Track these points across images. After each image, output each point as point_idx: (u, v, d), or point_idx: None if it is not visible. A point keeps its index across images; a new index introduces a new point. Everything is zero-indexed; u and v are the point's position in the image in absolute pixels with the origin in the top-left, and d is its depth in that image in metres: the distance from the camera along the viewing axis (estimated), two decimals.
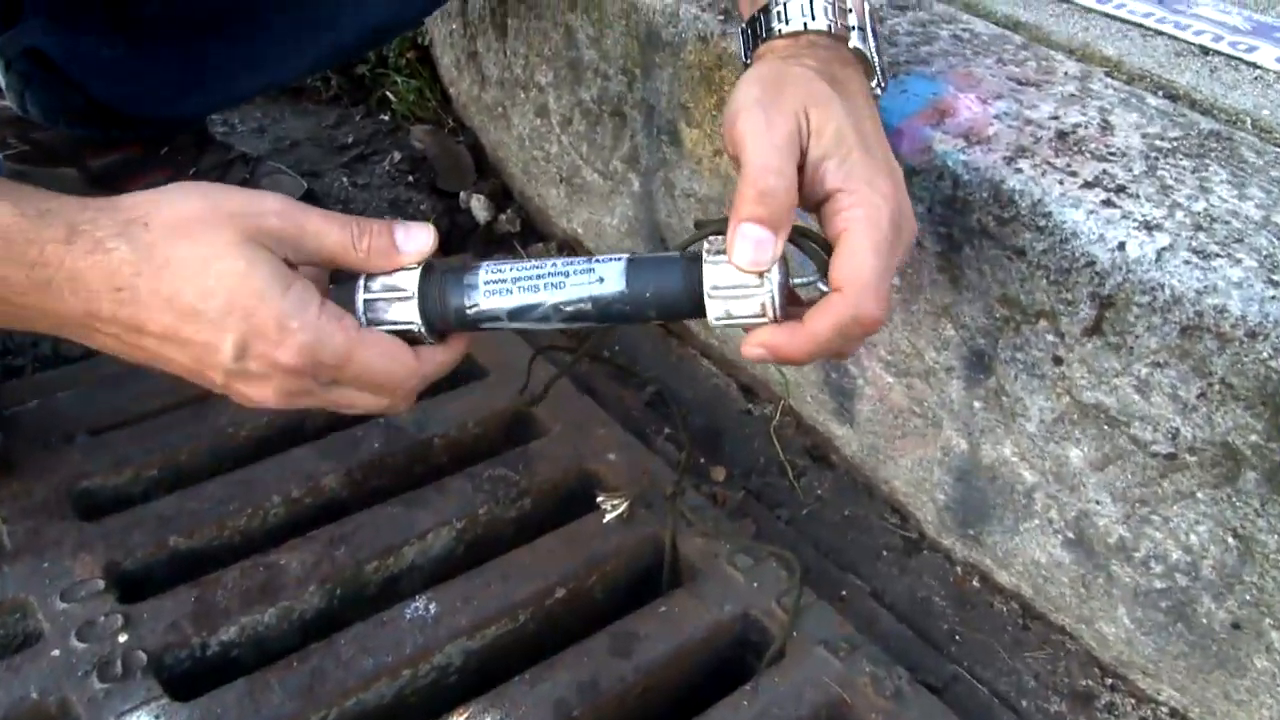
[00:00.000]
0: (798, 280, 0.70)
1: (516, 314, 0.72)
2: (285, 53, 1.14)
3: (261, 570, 0.95)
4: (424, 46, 1.70)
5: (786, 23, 0.75)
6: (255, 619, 0.92)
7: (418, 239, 0.72)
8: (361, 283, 0.72)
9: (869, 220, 0.66)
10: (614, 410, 1.19)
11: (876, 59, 0.78)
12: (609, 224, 1.35)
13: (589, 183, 1.35)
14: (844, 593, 1.03)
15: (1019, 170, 0.85)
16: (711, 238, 0.69)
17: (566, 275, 0.71)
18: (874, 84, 0.78)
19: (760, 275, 0.67)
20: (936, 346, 0.96)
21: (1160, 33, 1.05)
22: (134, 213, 0.65)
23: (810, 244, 0.70)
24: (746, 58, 0.80)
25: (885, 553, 1.08)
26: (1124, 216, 0.80)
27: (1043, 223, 0.82)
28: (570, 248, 1.46)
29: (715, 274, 0.68)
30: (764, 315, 0.68)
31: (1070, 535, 0.93)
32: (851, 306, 0.66)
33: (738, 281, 0.68)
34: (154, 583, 0.95)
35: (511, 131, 1.48)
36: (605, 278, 0.71)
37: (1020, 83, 0.96)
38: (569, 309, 0.72)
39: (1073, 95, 0.94)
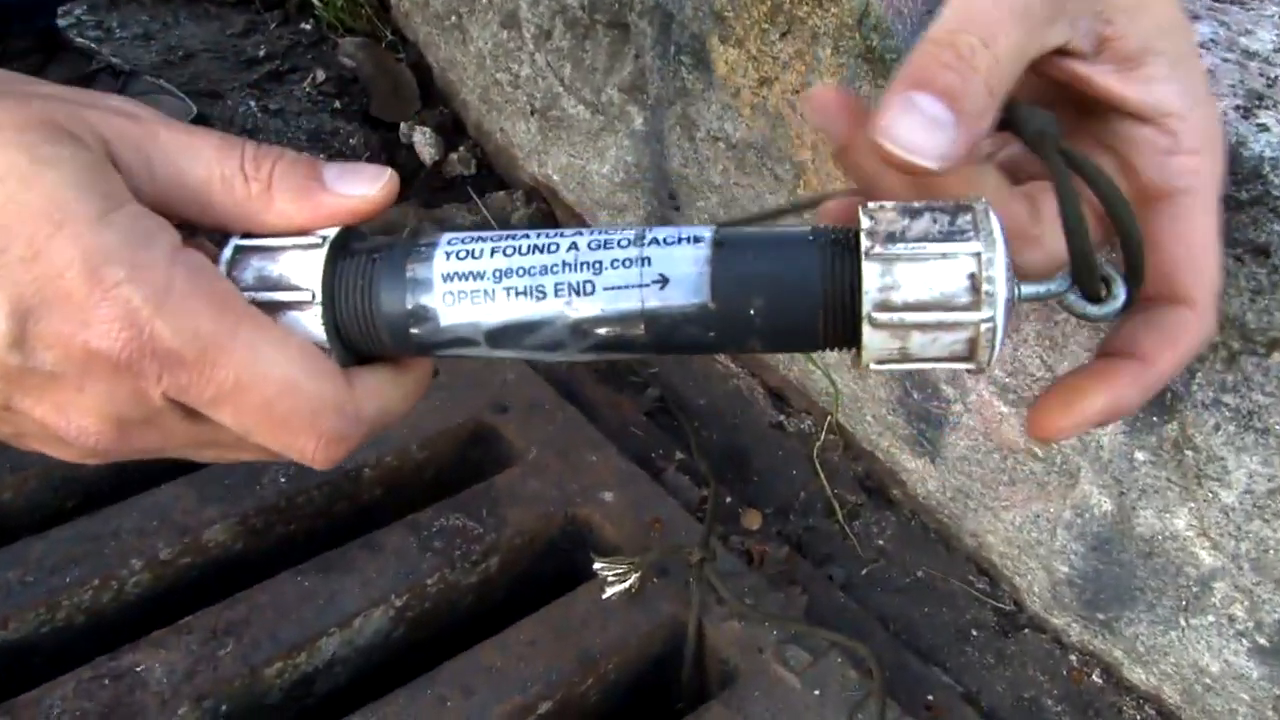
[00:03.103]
0: (1030, 289, 0.39)
1: (503, 335, 0.40)
2: None
3: (108, 682, 0.65)
4: None
5: None
6: None
7: (361, 176, 0.41)
8: (226, 258, 0.40)
9: (1214, 185, 0.41)
10: (606, 424, 0.90)
11: None
12: (597, 172, 1.04)
13: (571, 116, 1.04)
14: (930, 696, 0.75)
15: (1263, 128, 0.56)
16: (874, 208, 0.38)
17: (597, 268, 0.39)
18: None
19: (975, 286, 0.36)
20: None
21: None
22: None
23: (1084, 166, 0.39)
24: None
25: (975, 632, 0.81)
26: None
27: None
28: (541, 198, 1.15)
29: (888, 277, 0.37)
30: (969, 359, 0.38)
31: (1263, 642, 0.67)
32: (1208, 328, 0.41)
33: (931, 293, 0.36)
34: None
35: (468, 47, 1.16)
36: (670, 275, 0.39)
37: None
38: (602, 332, 0.39)
39: None
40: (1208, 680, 0.72)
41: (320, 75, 1.31)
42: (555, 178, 1.11)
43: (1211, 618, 0.69)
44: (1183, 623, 0.71)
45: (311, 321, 0.40)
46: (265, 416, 0.38)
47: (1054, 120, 0.40)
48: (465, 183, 1.21)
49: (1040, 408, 0.42)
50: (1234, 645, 0.69)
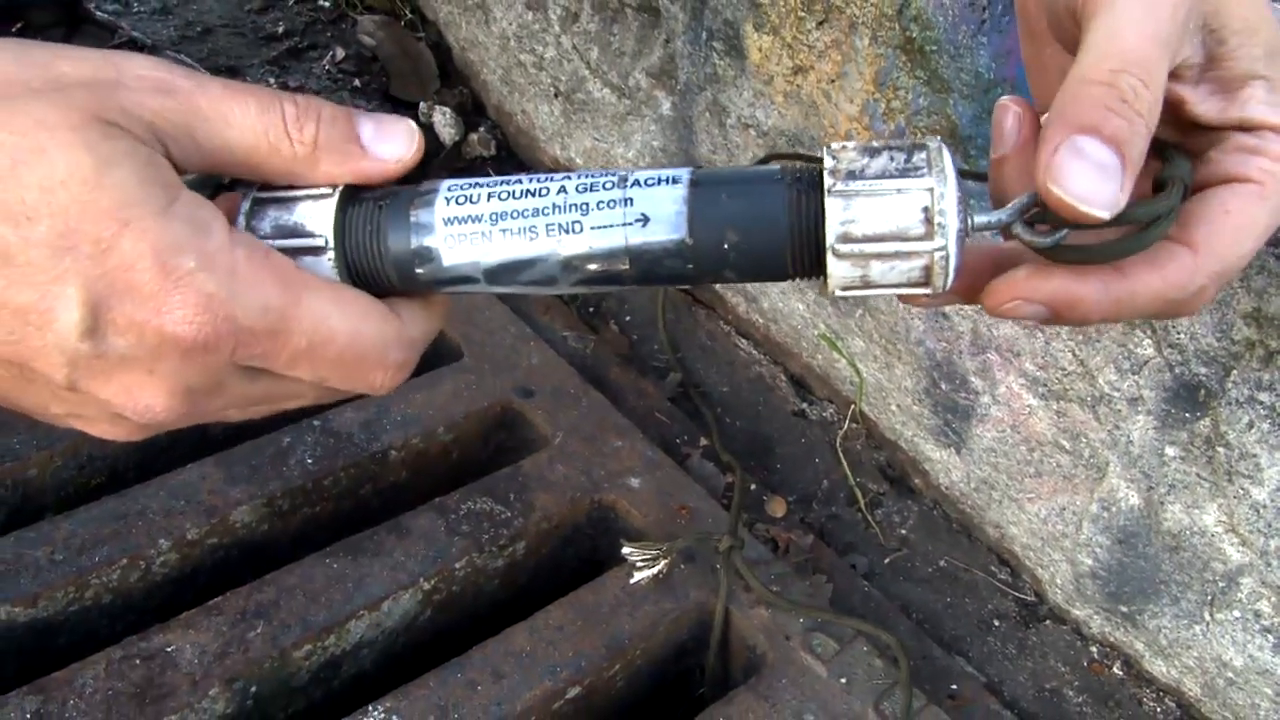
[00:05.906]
0: (983, 219, 0.41)
1: (500, 273, 0.43)
2: None
3: (138, 662, 0.65)
4: None
5: None
6: None
7: (394, 138, 0.44)
8: (245, 209, 0.43)
9: None
10: (630, 408, 0.90)
11: None
12: (621, 156, 1.03)
13: (596, 100, 1.03)
14: (954, 686, 0.76)
15: None
16: (837, 149, 0.41)
17: (584, 210, 0.42)
18: None
19: (928, 218, 0.39)
20: (1121, 367, 0.68)
21: None
22: None
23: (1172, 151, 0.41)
24: None
25: (997, 623, 0.82)
26: None
27: None
28: None
29: (849, 211, 0.40)
30: (926, 284, 0.40)
31: None
32: (1197, 278, 0.40)
33: (888, 225, 0.39)
34: None
35: (491, 27, 1.15)
36: (651, 214, 0.42)
37: None
38: (590, 268, 0.43)
39: None
40: (1230, 675, 0.72)
41: (339, 53, 1.31)
42: (578, 161, 1.11)
43: (1237, 613, 0.70)
44: (1207, 617, 0.72)
45: (325, 266, 0.43)
46: (339, 366, 0.41)
47: (1190, 171, 0.40)
48: (485, 164, 1.21)
49: (1001, 279, 0.42)
50: (1259, 640, 0.69)
